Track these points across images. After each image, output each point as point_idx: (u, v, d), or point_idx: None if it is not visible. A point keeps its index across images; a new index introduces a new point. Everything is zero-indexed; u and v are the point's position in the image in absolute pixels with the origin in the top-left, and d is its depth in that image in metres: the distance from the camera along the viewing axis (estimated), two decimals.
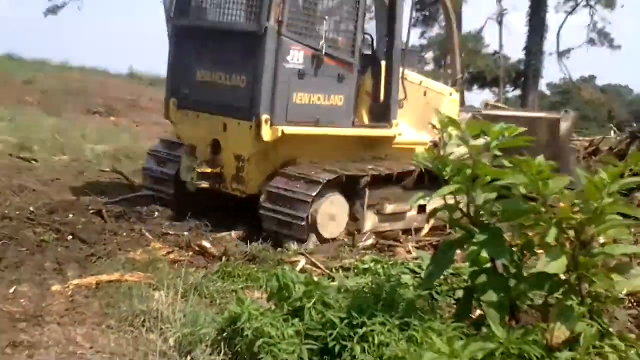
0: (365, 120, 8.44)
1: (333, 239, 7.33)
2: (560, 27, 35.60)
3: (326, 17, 7.68)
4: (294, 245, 6.95)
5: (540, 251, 4.07)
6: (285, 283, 4.46)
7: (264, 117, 7.27)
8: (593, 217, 3.88)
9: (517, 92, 35.24)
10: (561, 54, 36.06)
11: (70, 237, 6.93)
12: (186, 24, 8.12)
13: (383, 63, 8.46)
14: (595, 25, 35.37)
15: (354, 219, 7.64)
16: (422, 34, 39.36)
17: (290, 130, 7.41)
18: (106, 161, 11.14)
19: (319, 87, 7.61)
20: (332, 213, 7.41)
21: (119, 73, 29.25)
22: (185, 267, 5.73)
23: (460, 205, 4.32)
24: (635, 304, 4.82)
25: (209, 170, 7.80)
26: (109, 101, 20.00)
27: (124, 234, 7.22)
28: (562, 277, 3.95)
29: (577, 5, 35.86)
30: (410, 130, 8.79)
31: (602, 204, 3.85)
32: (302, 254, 6.51)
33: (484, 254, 4.10)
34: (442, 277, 5.17)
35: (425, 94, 9.29)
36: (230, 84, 7.62)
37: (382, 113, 8.40)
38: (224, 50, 7.72)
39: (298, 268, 5.93)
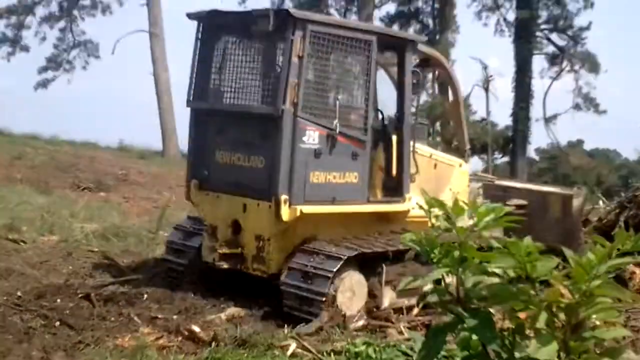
0: (379, 195, 8.60)
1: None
2: (546, 92, 36.13)
3: (339, 97, 7.98)
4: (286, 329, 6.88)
5: (532, 334, 4.02)
6: None
7: (283, 197, 7.46)
8: (582, 299, 3.86)
9: (506, 158, 35.52)
10: (548, 120, 36.51)
11: (58, 323, 6.83)
12: (205, 107, 8.40)
13: (394, 137, 8.67)
14: (581, 91, 35.93)
15: (372, 295, 7.66)
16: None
17: (308, 209, 7.59)
18: (95, 241, 11.08)
19: (334, 165, 7.84)
20: (352, 289, 7.46)
21: (108, 146, 29.43)
22: (174, 354, 5.65)
23: (450, 289, 4.29)
24: None
25: (229, 251, 7.96)
26: (99, 176, 20.01)
27: (112, 318, 7.12)
28: None
29: (562, 70, 36.49)
30: (422, 202, 8.71)
31: (591, 286, 3.83)
32: (293, 337, 6.44)
33: (475, 338, 4.05)
34: None
35: (435, 166, 9.50)
36: (249, 165, 7.90)
37: (394, 187, 8.59)
38: (242, 132, 8.03)
39: (289, 353, 5.86)
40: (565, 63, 36.27)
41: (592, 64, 35.34)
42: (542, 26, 36.36)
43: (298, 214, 7.48)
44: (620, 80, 59.27)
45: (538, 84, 40.98)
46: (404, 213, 8.51)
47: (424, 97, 40.16)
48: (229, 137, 8.14)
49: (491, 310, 4.59)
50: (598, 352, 3.83)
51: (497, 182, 11.06)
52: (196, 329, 6.67)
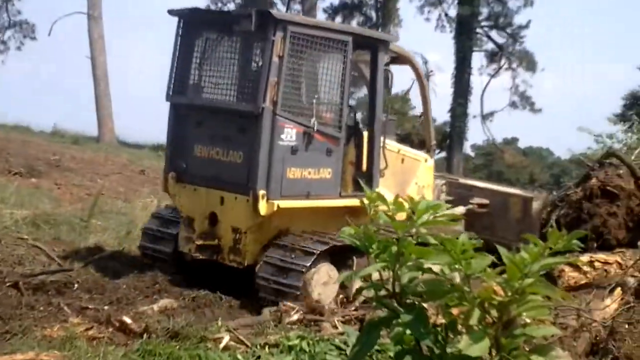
0: (350, 189, 8.85)
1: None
2: (484, 89, 36.76)
3: (316, 96, 8.20)
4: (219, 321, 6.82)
5: (464, 331, 4.06)
6: None
7: (261, 192, 7.77)
8: (514, 297, 3.91)
9: (443, 154, 36.03)
10: (485, 117, 37.14)
11: None
12: (184, 102, 8.62)
13: (365, 134, 8.96)
14: (517, 89, 36.66)
15: (343, 287, 7.85)
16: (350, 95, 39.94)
17: (284, 204, 7.92)
18: (25, 228, 10.77)
19: (309, 162, 8.17)
20: (324, 282, 7.69)
21: (42, 130, 28.65)
22: (104, 345, 5.53)
23: (386, 284, 4.30)
24: None
25: (206, 242, 8.21)
26: (31, 161, 19.42)
27: (41, 308, 6.95)
28: (485, 358, 3.94)
29: (500, 68, 37.13)
30: (390, 195, 8.81)
31: (523, 284, 3.88)
32: (226, 330, 6.37)
33: (409, 333, 4.08)
34: (368, 355, 5.13)
35: (403, 161, 9.86)
36: (227, 160, 8.15)
37: (365, 182, 8.66)
38: (221, 127, 8.27)
39: (222, 345, 5.80)
40: (503, 61, 36.97)
41: (529, 63, 36.12)
42: (483, 23, 36.96)
43: (275, 208, 7.82)
44: (555, 80, 60.79)
45: (477, 81, 41.61)
46: None
47: (364, 91, 40.53)
48: (208, 132, 8.37)
49: (425, 305, 4.65)
50: (528, 349, 3.90)
51: (462, 180, 11.39)
52: (127, 320, 6.54)
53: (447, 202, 9.93)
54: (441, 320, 4.31)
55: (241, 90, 8.29)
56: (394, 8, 35.58)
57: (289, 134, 7.92)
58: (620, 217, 10.10)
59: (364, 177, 8.81)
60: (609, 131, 19.13)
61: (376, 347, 5.27)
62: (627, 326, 6.47)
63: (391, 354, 4.82)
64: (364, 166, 8.89)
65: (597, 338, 6.33)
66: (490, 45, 37.18)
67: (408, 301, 4.22)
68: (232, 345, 5.93)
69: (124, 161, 21.36)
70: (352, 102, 9.30)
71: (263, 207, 7.75)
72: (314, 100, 8.11)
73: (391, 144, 9.58)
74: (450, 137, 35.38)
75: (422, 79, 10.84)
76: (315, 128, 8.03)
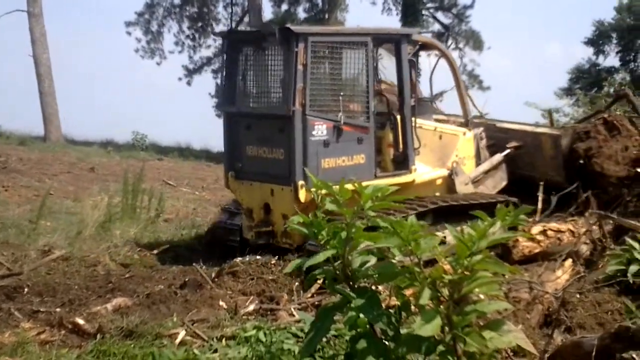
0: (391, 169, 10.02)
1: None
2: (432, 70, 36.84)
3: (342, 93, 9.35)
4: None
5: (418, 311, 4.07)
6: None
7: (300, 182, 8.94)
8: (464, 275, 3.94)
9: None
10: (435, 97, 37.30)
11: None
12: (234, 111, 9.97)
13: (398, 118, 9.99)
14: (465, 68, 36.90)
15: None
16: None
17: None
18: None
19: (342, 151, 9.29)
20: None
21: None
22: (57, 349, 5.43)
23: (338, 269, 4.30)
24: (512, 354, 4.92)
25: (263, 229, 9.51)
26: None
27: None
28: (439, 337, 3.97)
29: (447, 48, 37.27)
30: (428, 168, 10.58)
31: (472, 261, 3.91)
32: (182, 325, 6.30)
33: (362, 317, 4.09)
34: (325, 340, 5.14)
35: (440, 137, 10.93)
36: (272, 157, 9.41)
37: (402, 161, 10.01)
38: (265, 130, 9.54)
39: (178, 341, 5.73)
40: (450, 41, 37.16)
41: (475, 42, 36.38)
42: (428, 5, 37.05)
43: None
44: (502, 58, 61.52)
45: (425, 62, 41.77)
46: (409, 184, 9.94)
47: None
48: (255, 134, 9.66)
49: (380, 288, 4.65)
50: (482, 324, 3.94)
51: (498, 125, 11.98)
52: (80, 321, 6.42)
53: (488, 147, 11.55)
54: (395, 302, 4.34)
55: (276, 97, 9.62)
56: None
57: (320, 130, 9.07)
58: (613, 149, 10.71)
59: (400, 156, 9.99)
60: (556, 105, 19.49)
61: (333, 332, 5.28)
62: (578, 296, 6.60)
63: (348, 338, 4.83)
64: (400, 147, 9.98)
65: (550, 309, 6.43)
66: (436, 27, 37.33)
67: (360, 285, 4.25)
68: (189, 340, 5.87)
69: (73, 159, 20.92)
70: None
71: (302, 195, 8.89)
72: (340, 97, 9.24)
73: (427, 123, 10.73)
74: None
75: (451, 59, 11.94)
76: (342, 122, 9.17)
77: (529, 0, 71.35)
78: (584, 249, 8.23)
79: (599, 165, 10.58)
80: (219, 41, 37.60)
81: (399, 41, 9.98)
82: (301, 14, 34.02)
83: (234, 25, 33.45)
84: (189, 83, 34.89)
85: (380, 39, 9.92)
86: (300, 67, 8.85)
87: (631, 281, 6.50)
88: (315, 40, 9.10)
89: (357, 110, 9.61)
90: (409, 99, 9.94)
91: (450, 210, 9.38)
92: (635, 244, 6.85)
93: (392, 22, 35.54)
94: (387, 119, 10.10)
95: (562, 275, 7.53)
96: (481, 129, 11.59)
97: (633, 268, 6.62)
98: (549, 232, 9.02)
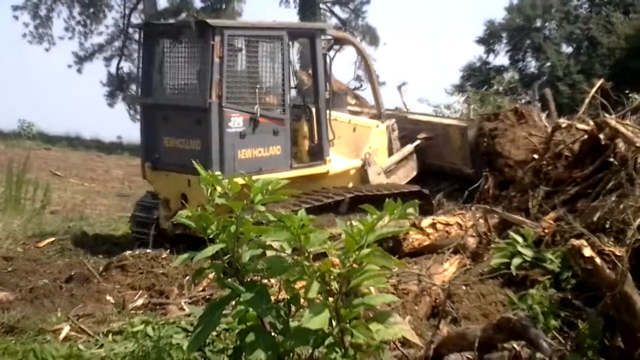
0: (307, 160, 10.26)
1: None
2: (330, 64, 37.09)
3: (258, 86, 9.54)
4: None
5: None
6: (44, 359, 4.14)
7: (217, 174, 8.10)
8: (352, 268, 3.98)
9: None
10: (355, 89, 37.50)
11: None
12: (151, 102, 10.09)
13: (313, 110, 10.24)
14: (361, 63, 37.32)
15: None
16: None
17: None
18: None
19: (258, 142, 9.49)
20: None
21: None
22: None
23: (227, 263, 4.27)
24: (400, 345, 5.02)
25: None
26: None
27: None
28: (327, 329, 4.00)
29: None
30: (342, 159, 10.84)
31: (360, 255, 3.95)
32: (67, 320, 6.10)
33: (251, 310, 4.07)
34: (215, 334, 5.10)
35: (354, 129, 11.19)
36: (189, 148, 9.49)
37: (317, 152, 10.28)
38: (182, 121, 9.65)
39: (62, 336, 5.55)
40: None
41: (372, 37, 36.92)
42: None
43: None
44: (397, 53, 62.64)
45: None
46: (324, 174, 10.29)
47: None
48: (172, 126, 9.78)
49: (272, 281, 4.64)
50: (370, 317, 3.99)
51: (409, 116, 12.42)
52: None
53: (400, 138, 11.85)
54: (285, 295, 4.34)
55: (193, 89, 9.74)
56: None
57: (236, 122, 9.23)
58: (517, 135, 11.05)
59: (315, 147, 10.25)
60: (447, 102, 20.08)
61: (224, 326, 5.23)
62: (464, 288, 6.79)
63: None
64: (315, 138, 10.23)
65: (437, 301, 6.60)
66: (334, 21, 37.63)
67: (250, 279, 4.23)
68: (73, 335, 5.69)
69: None
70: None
71: None
72: (257, 90, 9.42)
73: (341, 116, 10.97)
74: None
75: (363, 53, 12.72)
76: (259, 114, 9.34)
77: None
78: (471, 242, 8.46)
79: (501, 145, 10.97)
80: (112, 29, 37.43)
81: (313, 35, 10.28)
82: (198, 3, 33.51)
83: (127, 13, 32.91)
84: (79, 70, 33.85)
85: (296, 33, 10.32)
86: (217, 60, 9.01)
87: (514, 273, 6.72)
88: (231, 33, 9.30)
89: (273, 103, 9.86)
90: (323, 92, 10.21)
91: (359, 201, 9.39)
92: (519, 238, 7.09)
93: (290, 15, 35.53)
94: (302, 111, 10.34)
95: (449, 267, 7.73)
96: (393, 120, 11.93)
97: (516, 261, 6.84)
98: (438, 225, 9.23)
